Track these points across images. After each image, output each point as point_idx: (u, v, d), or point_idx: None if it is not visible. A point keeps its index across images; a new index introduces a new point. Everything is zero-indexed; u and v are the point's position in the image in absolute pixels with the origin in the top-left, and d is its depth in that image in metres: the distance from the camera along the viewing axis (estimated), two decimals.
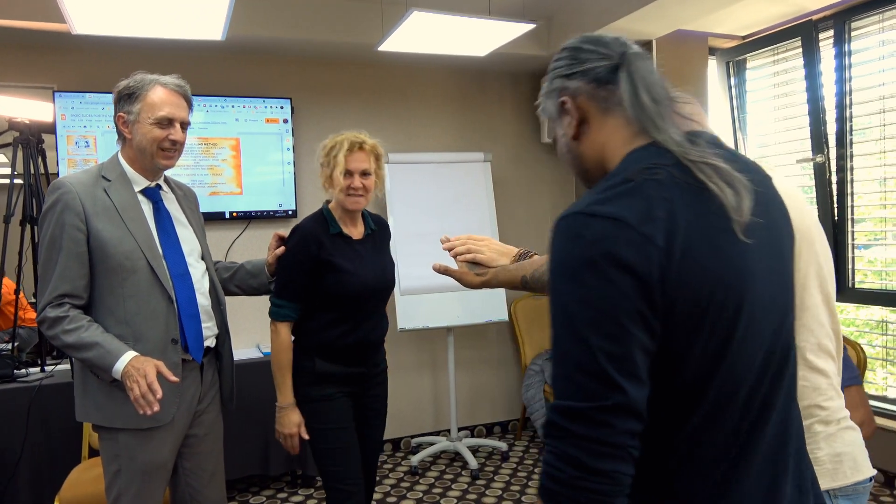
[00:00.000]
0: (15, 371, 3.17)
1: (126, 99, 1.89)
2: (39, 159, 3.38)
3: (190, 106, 1.96)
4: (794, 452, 0.95)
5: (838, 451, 1.29)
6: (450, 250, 1.52)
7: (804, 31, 3.59)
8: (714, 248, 0.85)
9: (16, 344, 3.46)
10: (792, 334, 0.97)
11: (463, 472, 3.89)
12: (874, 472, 1.34)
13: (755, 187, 0.92)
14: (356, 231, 2.27)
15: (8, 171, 3.34)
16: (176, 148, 1.91)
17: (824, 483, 1.26)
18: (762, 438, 0.90)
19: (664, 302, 0.82)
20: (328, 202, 2.27)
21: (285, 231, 2.26)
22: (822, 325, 1.31)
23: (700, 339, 0.84)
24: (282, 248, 2.20)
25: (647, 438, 0.84)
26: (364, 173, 2.19)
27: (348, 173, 2.16)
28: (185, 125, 1.93)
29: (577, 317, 0.82)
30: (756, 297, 0.88)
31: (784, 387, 0.94)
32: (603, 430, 0.80)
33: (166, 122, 1.87)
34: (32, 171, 3.31)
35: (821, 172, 3.59)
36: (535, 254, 1.50)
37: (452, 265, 1.52)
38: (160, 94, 1.88)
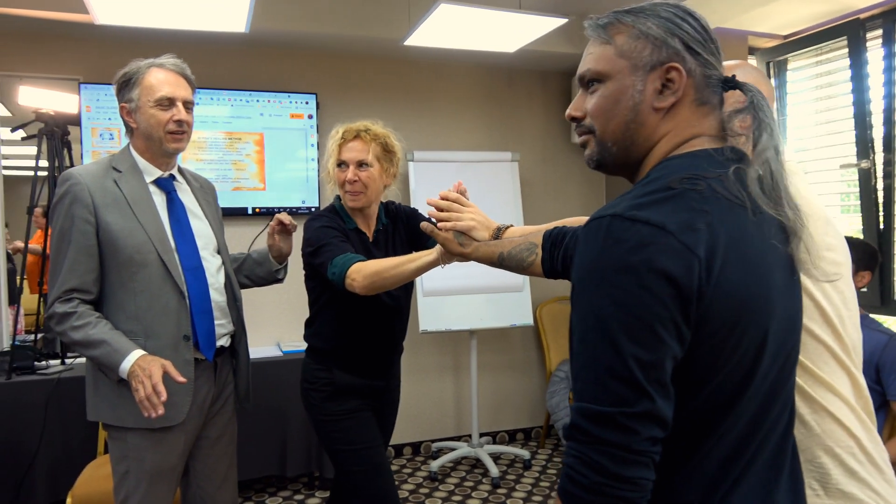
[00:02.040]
0: (35, 363, 3.15)
1: (125, 87, 1.84)
2: (64, 151, 3.37)
3: (192, 86, 1.90)
4: (790, 468, 0.95)
5: None
6: (436, 214, 1.52)
7: (851, 31, 3.43)
8: (748, 266, 0.85)
9: (40, 335, 3.45)
10: (797, 351, 0.97)
11: (483, 480, 3.79)
12: None
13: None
14: (369, 229, 2.11)
15: (32, 162, 3.34)
16: (184, 129, 1.85)
17: None
18: (764, 453, 0.90)
19: (698, 314, 0.81)
20: (338, 197, 2.12)
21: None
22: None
23: (728, 356, 0.84)
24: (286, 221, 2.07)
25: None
26: (361, 164, 2.00)
27: (342, 164, 2.00)
28: (188, 105, 1.87)
29: (610, 320, 0.80)
30: (778, 317, 0.88)
31: (788, 404, 0.95)
32: (628, 436, 0.79)
33: (167, 103, 1.81)
34: (57, 164, 3.30)
35: (866, 179, 3.42)
36: (511, 226, 1.50)
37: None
38: (157, 76, 1.82)
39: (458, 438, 4.26)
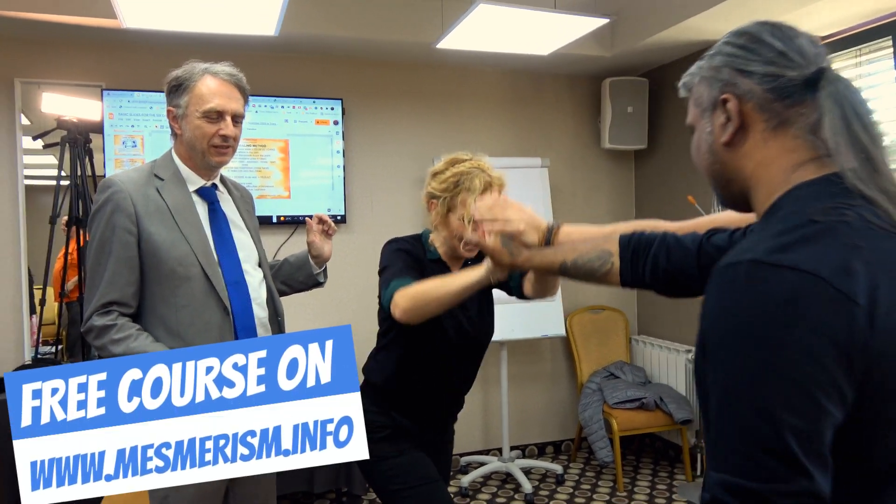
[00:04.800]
0: None
1: (175, 91, 1.73)
2: (87, 159, 3.29)
3: (245, 98, 1.80)
4: None
5: None
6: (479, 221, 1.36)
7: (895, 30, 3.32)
8: None
9: (60, 347, 3.37)
10: None
11: (516, 496, 3.67)
12: None
13: None
14: (456, 265, 1.90)
15: (54, 172, 3.26)
16: (229, 144, 1.75)
17: None
18: None
19: (863, 370, 0.70)
20: (429, 231, 1.91)
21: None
22: None
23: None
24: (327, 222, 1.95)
25: None
26: None
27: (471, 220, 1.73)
28: (237, 118, 1.76)
29: (758, 385, 0.71)
30: None
31: None
32: None
33: (216, 116, 1.71)
34: (79, 172, 3.22)
35: None
36: (562, 224, 1.34)
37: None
38: (209, 85, 1.71)
39: (486, 452, 4.14)
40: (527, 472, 3.96)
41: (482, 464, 3.90)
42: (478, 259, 1.94)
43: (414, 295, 1.62)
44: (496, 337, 3.69)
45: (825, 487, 0.70)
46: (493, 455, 4.06)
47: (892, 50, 3.37)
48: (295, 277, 2.07)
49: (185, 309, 1.67)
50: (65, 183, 3.23)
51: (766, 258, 0.73)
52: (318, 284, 2.09)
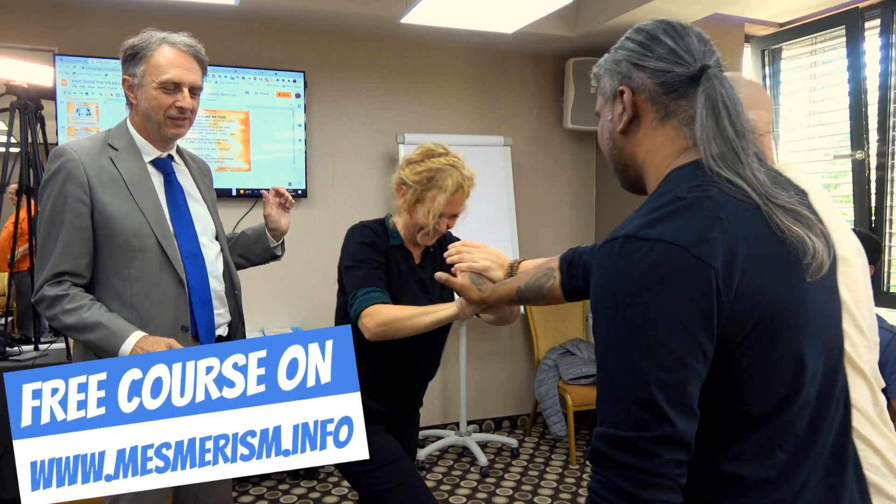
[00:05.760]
0: (7, 349, 3.00)
1: (131, 60, 1.70)
2: (38, 126, 3.19)
3: (203, 69, 1.77)
4: (853, 463, 0.93)
5: None
6: (450, 262, 1.51)
7: (849, 20, 3.41)
8: (770, 270, 0.82)
9: (11, 319, 3.29)
10: (841, 343, 0.95)
11: (472, 469, 3.75)
12: None
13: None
14: (417, 250, 1.95)
15: (3, 139, 3.16)
16: (186, 116, 1.72)
17: None
18: (825, 453, 0.88)
19: (723, 327, 0.79)
20: (390, 216, 1.95)
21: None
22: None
23: (763, 360, 0.82)
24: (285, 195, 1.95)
25: (695, 464, 0.82)
26: (454, 215, 1.86)
27: (442, 216, 1.83)
28: (195, 90, 1.74)
29: (628, 344, 0.80)
30: (814, 311, 0.86)
31: (842, 398, 0.92)
32: (648, 460, 0.78)
33: (172, 87, 1.68)
34: (30, 140, 3.12)
35: (860, 170, 3.42)
36: (524, 259, 1.49)
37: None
38: (167, 55, 1.68)
39: (444, 426, 4.20)
40: (483, 445, 4.04)
41: (439, 437, 3.96)
42: (437, 246, 2.00)
43: (385, 321, 1.67)
44: None
45: (688, 433, 0.79)
46: (451, 429, 4.12)
47: (844, 39, 3.46)
48: (252, 250, 2.06)
49: (140, 281, 1.65)
50: (14, 150, 3.13)
51: (636, 233, 0.82)
52: (276, 257, 2.09)
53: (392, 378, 1.89)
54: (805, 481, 0.85)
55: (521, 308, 1.76)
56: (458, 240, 2.01)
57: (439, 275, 1.48)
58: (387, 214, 1.98)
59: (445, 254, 1.52)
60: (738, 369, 0.82)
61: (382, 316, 1.68)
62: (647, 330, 0.78)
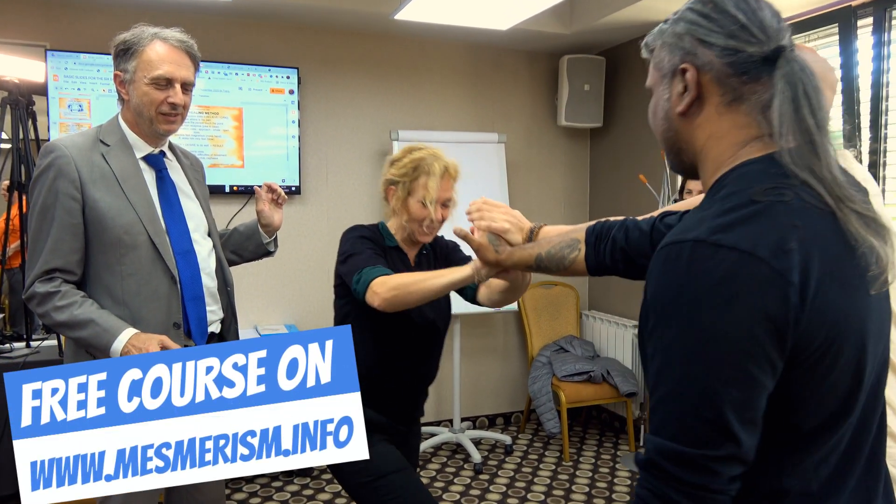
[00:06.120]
0: None
1: (122, 55, 1.69)
2: (29, 122, 3.17)
3: (196, 65, 1.76)
4: (885, 473, 0.91)
5: None
6: (470, 220, 1.43)
7: (842, 18, 3.42)
8: (843, 281, 0.78)
9: (2, 316, 3.28)
10: (886, 367, 0.90)
11: (465, 466, 3.75)
12: None
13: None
14: (412, 251, 1.94)
15: None
16: (178, 112, 1.71)
17: None
18: (862, 461, 0.86)
19: (794, 343, 0.75)
20: (384, 222, 1.93)
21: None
22: None
23: (822, 375, 0.78)
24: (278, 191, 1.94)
25: (749, 476, 0.79)
26: (446, 203, 1.85)
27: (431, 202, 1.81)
28: (187, 86, 1.72)
29: (696, 357, 0.75)
30: (873, 326, 0.82)
31: (880, 406, 0.89)
32: (709, 478, 0.75)
33: (164, 83, 1.67)
34: (22, 136, 3.10)
35: None
36: (544, 225, 1.40)
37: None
38: (159, 51, 1.67)
39: (437, 423, 4.20)
40: (476, 442, 4.04)
41: (433, 434, 3.96)
42: (433, 246, 1.99)
43: (396, 286, 1.63)
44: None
45: (750, 452, 0.76)
46: (444, 426, 4.12)
47: (837, 37, 3.47)
48: (245, 247, 2.05)
49: (132, 278, 1.65)
50: (5, 146, 3.11)
51: (708, 237, 0.75)
52: (269, 254, 2.08)
53: (392, 387, 1.86)
54: (843, 494, 0.83)
55: (529, 279, 1.68)
56: (451, 243, 2.03)
57: (457, 229, 1.42)
58: (380, 221, 1.96)
59: (466, 210, 1.45)
60: (798, 385, 0.78)
61: (394, 281, 1.63)
62: (718, 344, 0.74)
